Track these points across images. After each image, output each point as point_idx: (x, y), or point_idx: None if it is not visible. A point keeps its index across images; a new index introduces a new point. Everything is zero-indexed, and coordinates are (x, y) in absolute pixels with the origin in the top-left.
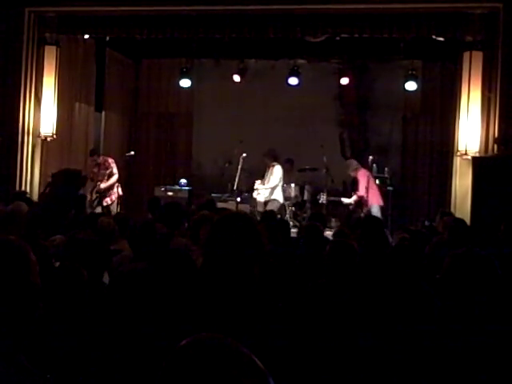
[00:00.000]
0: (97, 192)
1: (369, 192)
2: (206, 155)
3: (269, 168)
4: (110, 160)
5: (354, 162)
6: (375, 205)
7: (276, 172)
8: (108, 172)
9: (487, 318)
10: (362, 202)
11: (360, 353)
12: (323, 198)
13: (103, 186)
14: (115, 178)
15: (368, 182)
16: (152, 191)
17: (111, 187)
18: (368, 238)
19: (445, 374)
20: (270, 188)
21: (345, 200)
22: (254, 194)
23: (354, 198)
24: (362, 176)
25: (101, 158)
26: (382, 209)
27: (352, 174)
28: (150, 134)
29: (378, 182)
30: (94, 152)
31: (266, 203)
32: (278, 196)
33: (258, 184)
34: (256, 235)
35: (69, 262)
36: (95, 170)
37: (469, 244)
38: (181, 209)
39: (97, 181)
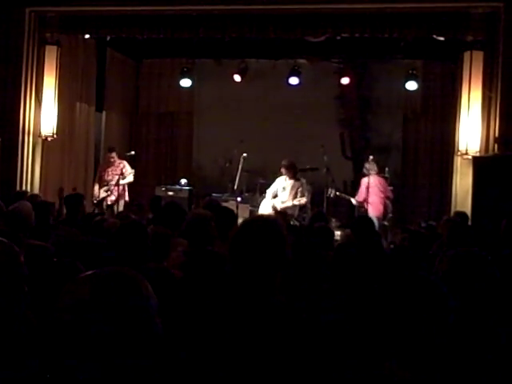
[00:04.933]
0: (106, 191)
1: (368, 202)
2: (206, 155)
3: (288, 179)
4: (124, 164)
5: (367, 167)
6: (372, 215)
7: (306, 189)
8: (119, 174)
9: (486, 318)
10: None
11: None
12: (332, 192)
13: (121, 182)
14: (128, 180)
15: (367, 193)
16: (153, 191)
17: (123, 188)
18: (360, 238)
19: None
20: (299, 204)
21: (353, 200)
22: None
23: (354, 202)
24: (363, 184)
25: (117, 158)
26: (379, 219)
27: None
28: (151, 134)
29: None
30: (113, 149)
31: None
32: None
33: (272, 197)
34: (281, 243)
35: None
36: (109, 169)
37: (468, 244)
38: (181, 209)
39: (106, 180)
